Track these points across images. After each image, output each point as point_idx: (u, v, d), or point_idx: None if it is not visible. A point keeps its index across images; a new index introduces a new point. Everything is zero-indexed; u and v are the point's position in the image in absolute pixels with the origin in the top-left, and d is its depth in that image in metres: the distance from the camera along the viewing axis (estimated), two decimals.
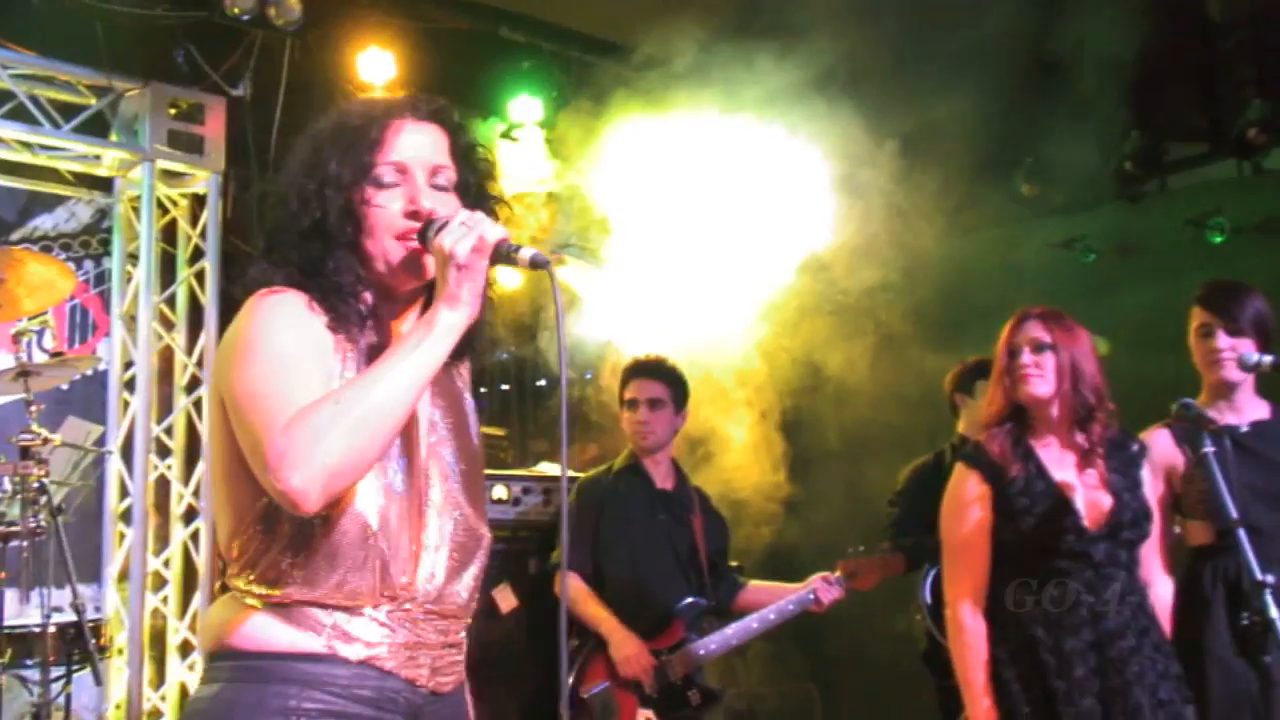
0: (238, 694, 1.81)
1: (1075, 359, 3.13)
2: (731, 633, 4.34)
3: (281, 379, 1.75)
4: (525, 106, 6.36)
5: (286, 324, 1.82)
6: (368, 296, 1.92)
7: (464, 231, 1.80)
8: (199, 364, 5.72)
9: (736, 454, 6.18)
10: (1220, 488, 2.82)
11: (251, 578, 1.84)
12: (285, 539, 1.81)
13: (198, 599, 5.53)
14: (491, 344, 2.05)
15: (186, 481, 5.69)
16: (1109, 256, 6.16)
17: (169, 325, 5.76)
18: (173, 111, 5.64)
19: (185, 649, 5.61)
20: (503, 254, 1.82)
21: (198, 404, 5.69)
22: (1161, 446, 3.36)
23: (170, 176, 5.73)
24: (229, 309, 5.80)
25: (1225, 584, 3.29)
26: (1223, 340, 3.35)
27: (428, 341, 1.78)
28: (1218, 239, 5.82)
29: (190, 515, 5.68)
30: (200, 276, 5.78)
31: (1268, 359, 3.17)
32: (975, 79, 6.18)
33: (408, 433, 1.89)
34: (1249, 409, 3.41)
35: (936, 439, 5.60)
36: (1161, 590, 3.24)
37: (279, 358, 1.78)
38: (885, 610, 6.04)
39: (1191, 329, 3.48)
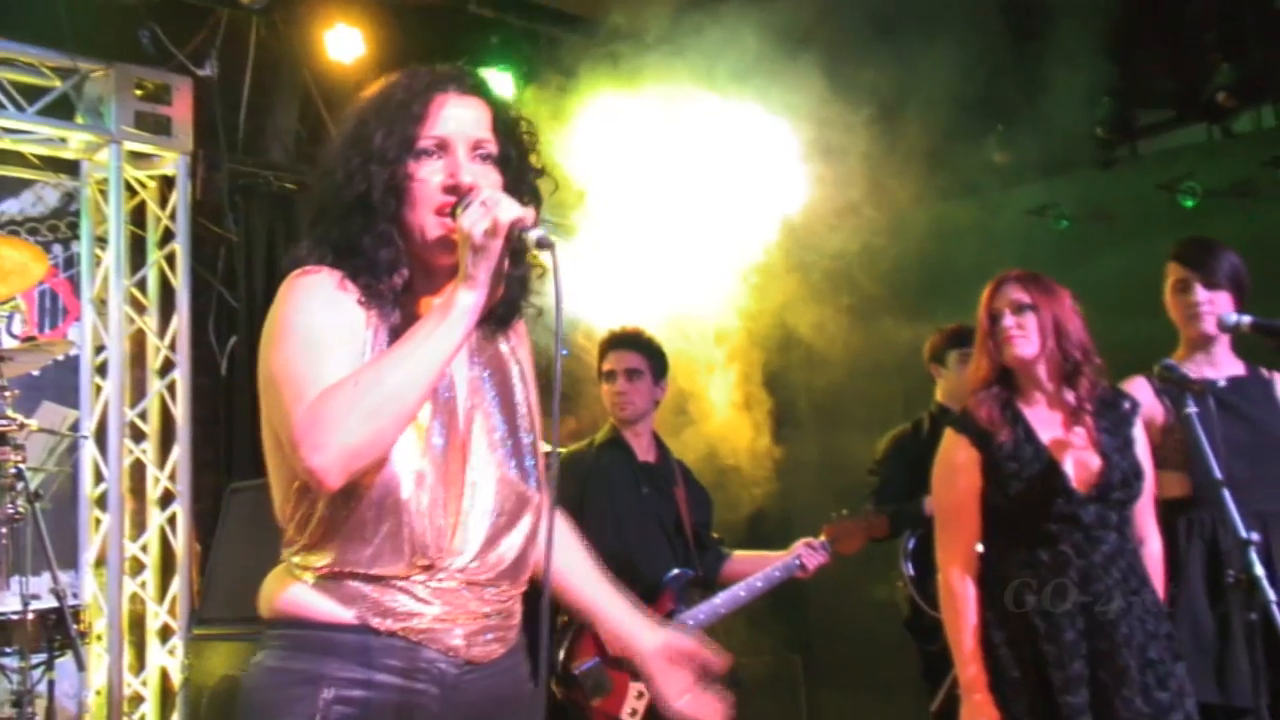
0: (277, 660, 1.87)
1: (1057, 317, 3.13)
2: (720, 602, 4.35)
3: (307, 360, 1.79)
4: (494, 82, 6.30)
5: (316, 305, 1.85)
6: (404, 272, 1.93)
7: (482, 212, 1.79)
8: (171, 347, 5.66)
9: (719, 421, 6.19)
10: (1205, 448, 2.84)
11: (296, 549, 1.89)
12: (321, 512, 1.84)
13: (176, 583, 5.50)
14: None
15: (162, 465, 5.64)
16: (1082, 222, 6.17)
17: (140, 308, 5.71)
18: (139, 93, 5.58)
19: (165, 633, 5.58)
20: (514, 236, 1.81)
21: (171, 387, 5.65)
22: (1141, 397, 3.37)
23: (138, 158, 5.66)
24: (200, 291, 5.81)
25: (1202, 539, 3.32)
26: (1200, 294, 3.39)
27: (445, 324, 1.79)
28: (1189, 203, 5.84)
29: (167, 499, 5.64)
30: (171, 259, 5.72)
31: (1246, 319, 3.20)
32: (947, 47, 6.19)
33: (447, 401, 1.91)
34: (1226, 365, 3.45)
35: (911, 406, 5.62)
36: (1154, 547, 3.24)
37: (306, 339, 1.82)
38: (865, 579, 6.07)
39: (1168, 285, 3.51)
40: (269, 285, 5.97)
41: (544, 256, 1.85)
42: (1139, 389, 3.41)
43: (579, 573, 2.23)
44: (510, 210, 1.79)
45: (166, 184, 5.79)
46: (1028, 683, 3.02)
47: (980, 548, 3.17)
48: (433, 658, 1.87)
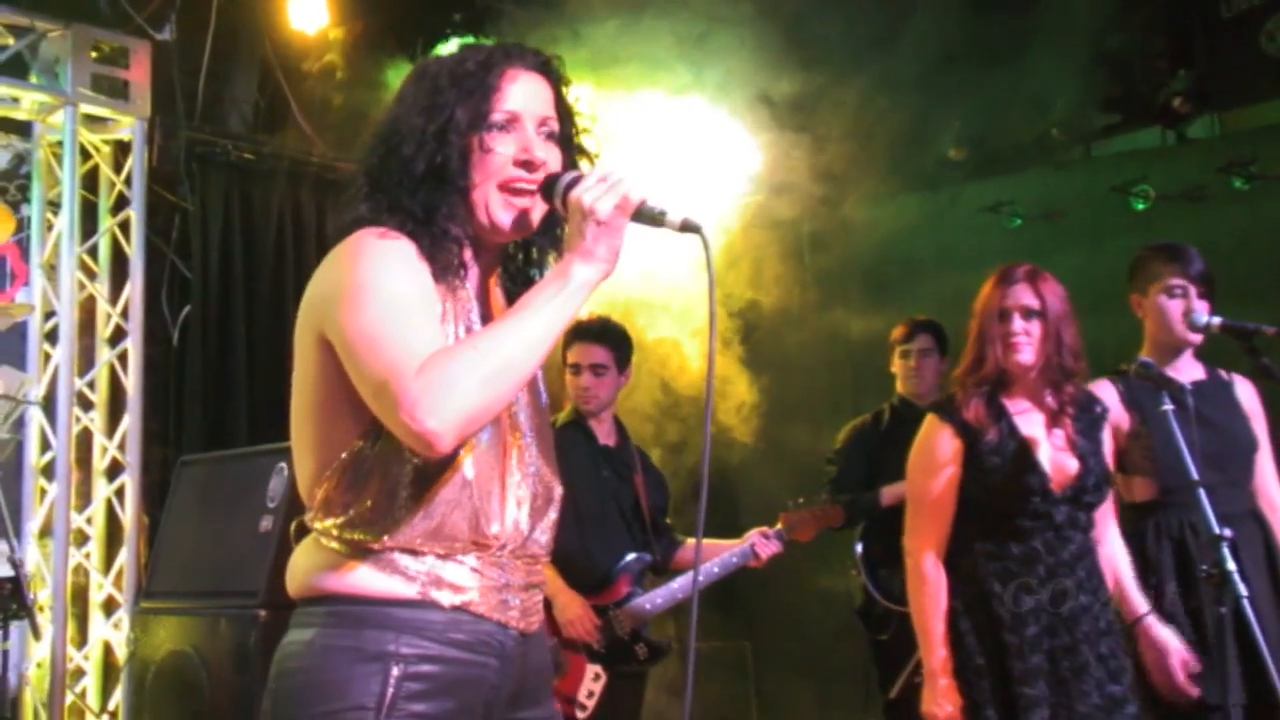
0: (334, 639, 1.83)
1: (1059, 323, 3.17)
2: (677, 586, 4.37)
3: (403, 322, 1.77)
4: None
5: (401, 269, 1.83)
6: (468, 245, 1.93)
7: (605, 188, 1.80)
8: (123, 315, 5.55)
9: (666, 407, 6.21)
10: (1181, 446, 2.90)
11: (341, 522, 1.87)
12: (379, 485, 1.84)
13: (123, 555, 5.41)
14: None
15: (111, 435, 5.54)
16: (1035, 221, 6.25)
17: (91, 275, 5.59)
18: (95, 55, 5.45)
19: (109, 607, 5.49)
20: (647, 215, 1.83)
21: (122, 357, 5.54)
22: (1108, 401, 3.42)
23: (93, 122, 5.54)
24: (153, 259, 5.70)
25: (1171, 541, 3.39)
26: (1198, 303, 3.41)
27: (563, 295, 1.80)
28: (1140, 206, 5.95)
29: (114, 470, 5.53)
30: (124, 226, 5.60)
31: (1217, 320, 3.27)
32: (906, 44, 6.25)
33: None
34: (1188, 369, 3.51)
35: (861, 397, 5.69)
36: (1109, 549, 3.30)
37: (397, 300, 1.79)
38: (814, 567, 6.13)
39: (1155, 287, 3.50)
40: (224, 256, 5.89)
41: (690, 237, 1.84)
42: (1104, 392, 3.46)
43: None
44: (639, 188, 1.81)
45: (121, 149, 5.66)
46: (990, 670, 3.08)
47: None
48: (492, 630, 1.90)
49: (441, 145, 1.89)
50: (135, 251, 5.55)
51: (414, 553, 1.85)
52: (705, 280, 1.86)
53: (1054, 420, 3.20)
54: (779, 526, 4.42)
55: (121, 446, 5.50)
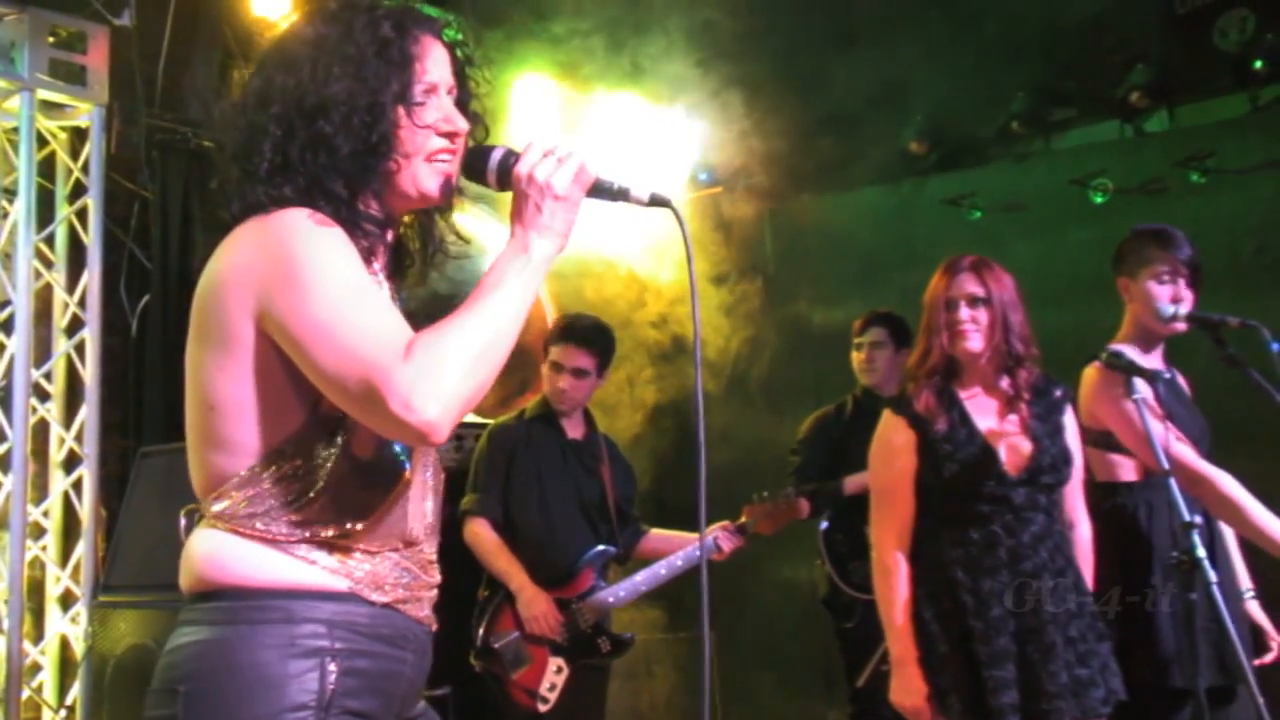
0: (260, 635, 1.72)
1: (1005, 309, 3.22)
2: (640, 580, 4.37)
3: (366, 309, 1.69)
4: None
5: (343, 253, 1.74)
6: (383, 228, 1.87)
7: (558, 162, 1.77)
8: (81, 305, 5.48)
9: (626, 400, 6.22)
10: (1151, 434, 2.93)
11: (263, 512, 1.76)
12: (324, 483, 1.76)
13: (80, 548, 5.34)
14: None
15: (68, 426, 5.47)
16: (995, 213, 6.31)
17: (48, 264, 5.51)
18: (52, 39, 5.34)
19: (66, 601, 5.42)
20: (608, 189, 1.80)
21: (79, 347, 5.47)
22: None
23: (50, 108, 5.43)
24: (112, 248, 5.63)
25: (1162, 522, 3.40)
26: (1186, 292, 3.42)
27: (528, 272, 1.77)
28: (1099, 199, 6.01)
29: (72, 462, 5.46)
30: (82, 214, 5.52)
31: (1184, 311, 3.30)
32: (868, 38, 6.28)
33: None
34: (1155, 360, 3.53)
35: (824, 389, 5.71)
36: (1084, 531, 3.34)
37: (352, 285, 1.70)
38: (775, 558, 6.16)
39: (1145, 272, 3.44)
40: (184, 244, 5.83)
41: (663, 213, 1.84)
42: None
43: None
44: (592, 161, 1.79)
45: (79, 136, 5.58)
46: (955, 656, 3.11)
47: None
48: (410, 625, 1.87)
49: (376, 120, 1.78)
50: (93, 240, 5.47)
51: (343, 549, 1.79)
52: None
53: (1008, 406, 3.24)
54: (742, 519, 4.43)
55: (79, 438, 5.42)
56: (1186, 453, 3.21)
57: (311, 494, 1.76)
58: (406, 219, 1.98)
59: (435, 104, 1.84)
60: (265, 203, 1.78)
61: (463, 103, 1.91)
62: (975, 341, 3.22)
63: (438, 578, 1.95)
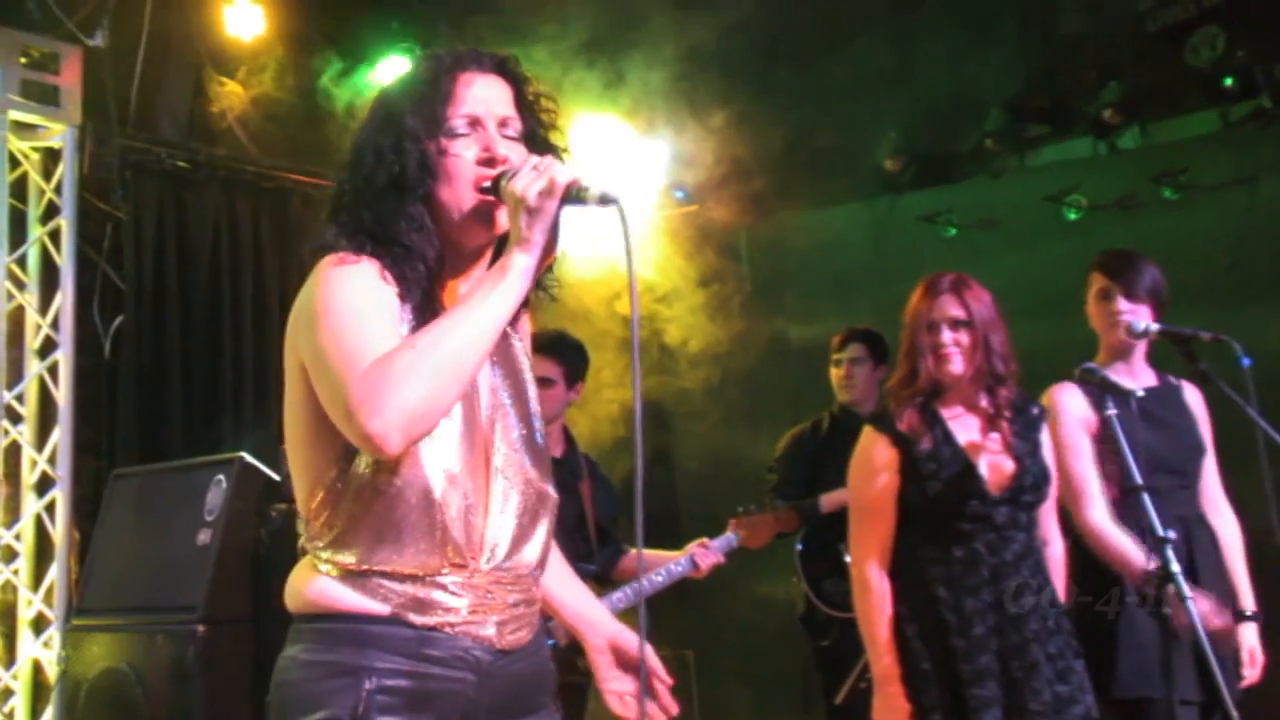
0: (314, 654, 1.89)
1: (987, 330, 3.22)
2: (619, 597, 4.34)
3: (357, 332, 1.80)
4: (395, 67, 6.23)
5: (358, 287, 1.86)
6: (434, 256, 1.93)
7: (534, 175, 1.83)
8: (54, 326, 5.45)
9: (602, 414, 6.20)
10: (1124, 449, 2.95)
11: (323, 544, 1.91)
12: (350, 508, 1.88)
13: (53, 571, 5.30)
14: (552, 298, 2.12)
15: (40, 448, 5.42)
16: (970, 230, 6.34)
17: (20, 285, 5.48)
18: (24, 60, 5.34)
19: (39, 624, 5.37)
20: (572, 195, 1.84)
21: (52, 368, 5.43)
22: (1078, 404, 3.47)
23: (22, 129, 5.43)
24: (85, 269, 5.60)
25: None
26: (1122, 304, 3.49)
27: (502, 285, 1.83)
28: (1073, 215, 6.04)
29: (44, 484, 5.42)
30: (54, 235, 5.50)
31: (1155, 326, 3.32)
32: (846, 54, 6.31)
33: (469, 401, 1.92)
34: (1142, 374, 3.56)
35: (801, 406, 5.71)
36: (1056, 549, 3.35)
37: (352, 312, 1.82)
38: (753, 576, 6.15)
39: (1091, 293, 3.59)
40: (158, 265, 5.81)
41: (610, 211, 1.86)
42: (1072, 396, 3.49)
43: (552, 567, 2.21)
44: (566, 171, 1.84)
45: (51, 157, 5.56)
46: (938, 675, 3.10)
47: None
48: (469, 646, 1.91)
49: (399, 154, 1.90)
50: (66, 261, 5.45)
51: (389, 575, 1.88)
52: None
53: (990, 424, 3.25)
54: (728, 533, 4.42)
55: (52, 460, 5.39)
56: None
57: (350, 524, 1.88)
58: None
59: (479, 135, 1.94)
60: (317, 249, 1.94)
61: (527, 135, 1.99)
62: (958, 365, 3.22)
63: (522, 595, 1.97)
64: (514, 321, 2.04)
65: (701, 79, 6.04)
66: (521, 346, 2.12)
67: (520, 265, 1.83)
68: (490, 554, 1.92)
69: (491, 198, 1.92)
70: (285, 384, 1.95)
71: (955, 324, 3.22)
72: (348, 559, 1.89)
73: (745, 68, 6.35)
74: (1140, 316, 3.44)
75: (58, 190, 5.50)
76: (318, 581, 1.91)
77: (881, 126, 6.61)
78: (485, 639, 1.92)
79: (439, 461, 1.87)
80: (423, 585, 1.88)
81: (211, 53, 5.89)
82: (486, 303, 1.81)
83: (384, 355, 1.74)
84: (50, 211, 5.54)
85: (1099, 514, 3.36)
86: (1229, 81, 5.59)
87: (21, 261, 5.50)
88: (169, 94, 5.95)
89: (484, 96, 1.96)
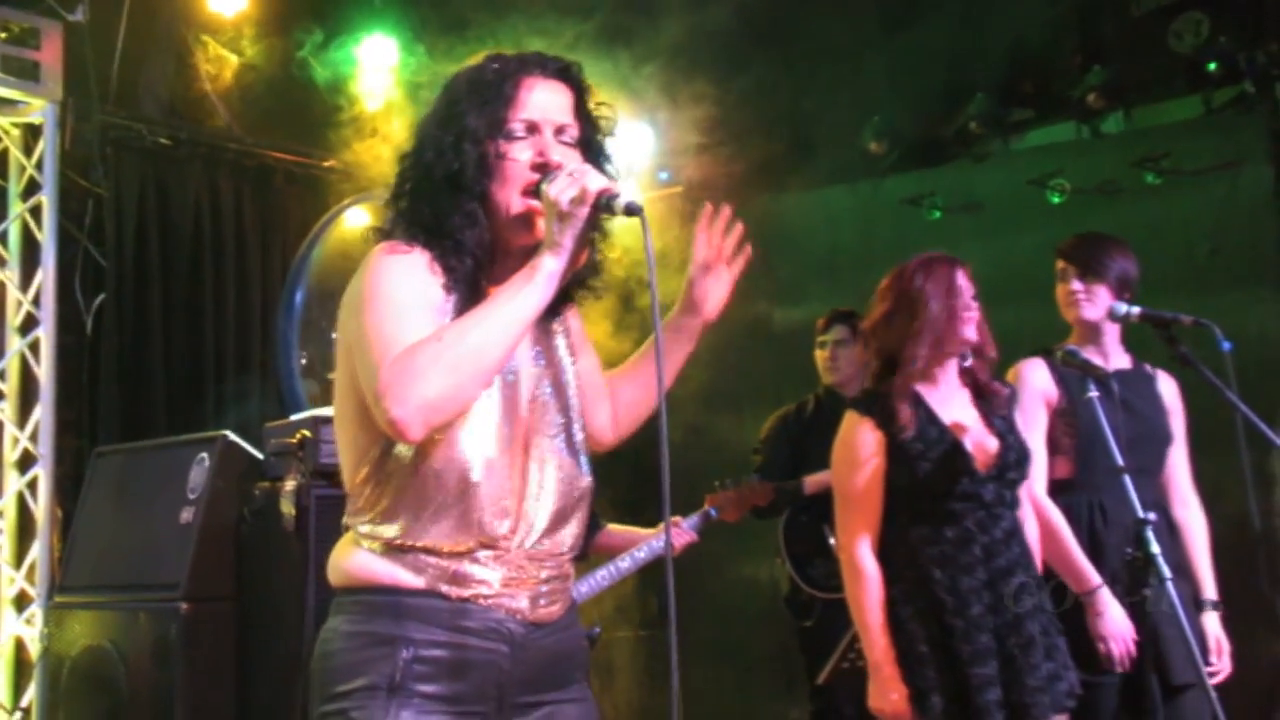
0: (354, 624, 1.99)
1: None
2: (602, 575, 4.37)
3: (395, 321, 1.89)
4: (379, 46, 6.20)
5: (406, 277, 1.96)
6: (483, 252, 2.02)
7: (569, 182, 1.90)
8: (35, 303, 5.42)
9: None
10: (1106, 432, 2.96)
11: (365, 520, 2.01)
12: (392, 487, 1.97)
13: (35, 549, 5.29)
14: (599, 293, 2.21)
15: (22, 426, 5.40)
16: (954, 213, 6.35)
17: (1, 262, 5.45)
18: (4, 35, 5.28)
19: (21, 601, 5.36)
20: (602, 203, 1.91)
21: (34, 345, 5.41)
22: (1040, 377, 3.50)
23: (2, 104, 5.39)
24: (66, 245, 5.57)
25: (1079, 524, 3.44)
26: (1075, 284, 3.54)
27: (529, 286, 1.91)
28: (1056, 199, 6.05)
29: (26, 462, 5.40)
30: (35, 212, 5.47)
31: (1136, 310, 3.33)
32: (830, 36, 6.31)
33: (511, 391, 2.00)
34: (1115, 357, 3.58)
35: (784, 388, 5.72)
36: (1031, 528, 3.36)
37: (395, 302, 1.92)
38: (735, 556, 6.18)
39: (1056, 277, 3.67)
40: (139, 242, 5.78)
41: (630, 220, 1.94)
42: (1035, 369, 3.54)
43: None
44: (598, 180, 1.90)
45: (32, 133, 5.52)
46: (935, 656, 3.08)
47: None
48: (502, 618, 2.00)
49: (458, 153, 1.99)
50: (47, 237, 5.41)
51: (425, 550, 1.97)
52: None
53: (970, 404, 3.26)
54: (705, 508, 4.46)
55: (34, 437, 5.37)
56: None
57: (392, 502, 1.98)
58: None
59: (535, 140, 2.02)
60: (373, 235, 2.06)
61: (584, 142, 2.08)
62: (974, 332, 3.24)
63: (555, 571, 2.06)
64: (558, 317, 2.14)
65: (686, 62, 6.02)
66: (566, 343, 2.18)
67: (548, 268, 1.91)
68: (524, 537, 2.01)
69: (534, 201, 1.98)
70: (336, 364, 2.05)
71: (975, 297, 3.26)
72: (388, 534, 1.98)
73: (730, 51, 6.33)
74: (1097, 297, 3.47)
75: (39, 167, 5.46)
76: (358, 556, 2.01)
77: (866, 110, 6.60)
78: (518, 611, 2.01)
79: (478, 447, 1.96)
80: (455, 560, 1.97)
81: (193, 28, 5.86)
82: (512, 302, 1.89)
83: (411, 346, 1.83)
84: (31, 188, 5.50)
85: (1038, 488, 3.43)
86: (1212, 67, 5.60)
87: (2, 238, 5.47)
88: (150, 70, 5.92)
89: (544, 103, 2.04)
